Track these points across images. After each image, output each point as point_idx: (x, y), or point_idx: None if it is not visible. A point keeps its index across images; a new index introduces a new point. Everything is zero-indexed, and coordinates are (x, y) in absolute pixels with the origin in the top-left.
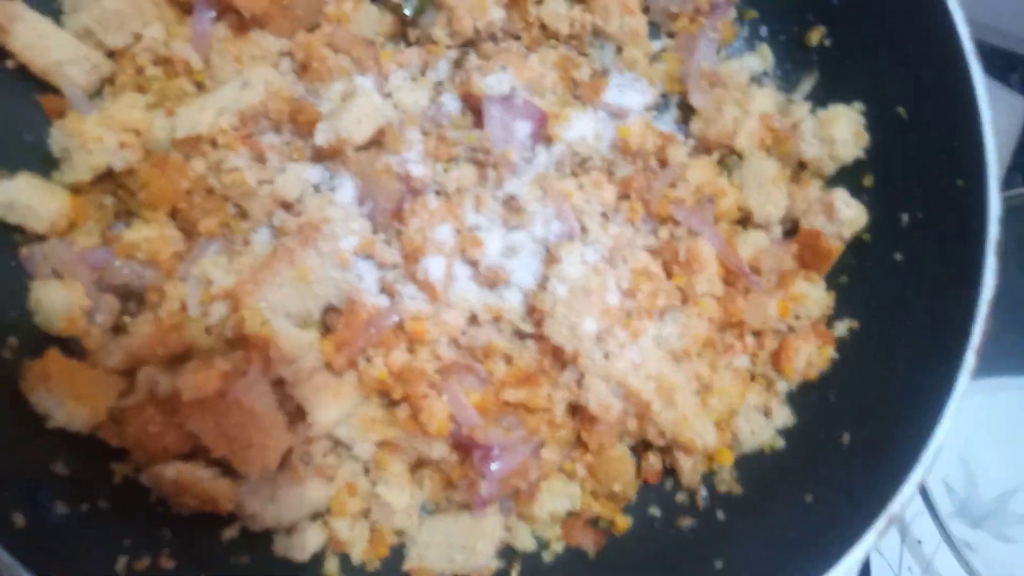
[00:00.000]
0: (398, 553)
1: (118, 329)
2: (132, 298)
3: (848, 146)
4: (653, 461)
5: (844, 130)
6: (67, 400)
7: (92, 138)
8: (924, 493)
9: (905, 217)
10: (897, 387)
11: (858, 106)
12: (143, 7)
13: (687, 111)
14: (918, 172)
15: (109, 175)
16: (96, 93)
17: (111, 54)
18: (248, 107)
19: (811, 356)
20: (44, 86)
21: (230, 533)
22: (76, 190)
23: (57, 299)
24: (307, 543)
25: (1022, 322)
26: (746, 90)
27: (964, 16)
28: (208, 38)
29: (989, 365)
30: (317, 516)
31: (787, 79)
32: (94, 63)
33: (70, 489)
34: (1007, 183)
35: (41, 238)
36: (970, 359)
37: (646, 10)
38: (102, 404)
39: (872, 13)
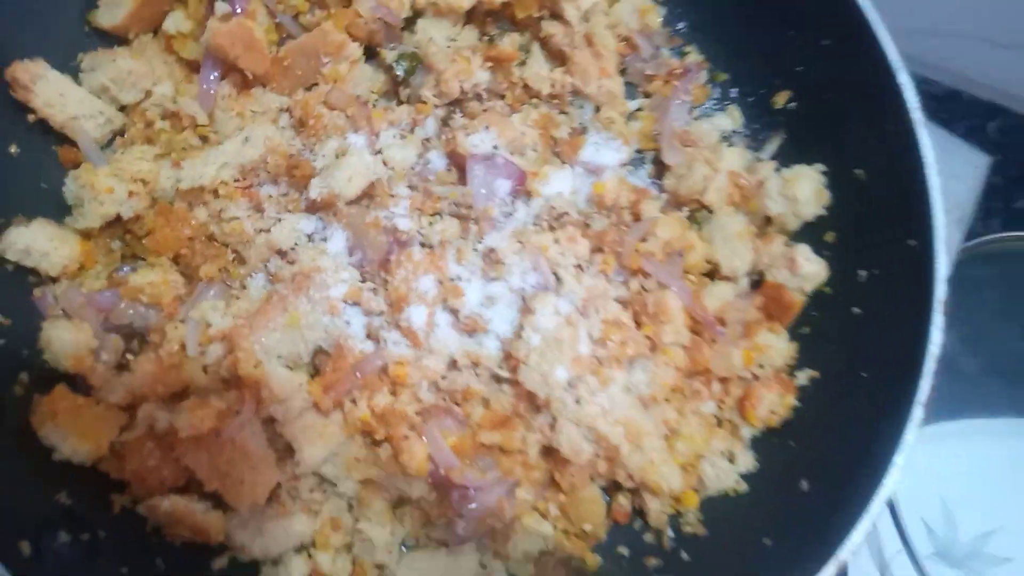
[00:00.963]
0: None
1: (121, 367)
2: (135, 338)
3: (810, 204)
4: (623, 502)
5: (807, 189)
6: (72, 435)
7: (104, 189)
8: (903, 534)
9: (863, 273)
10: (852, 437)
11: (820, 167)
12: (155, 66)
13: (661, 167)
14: (875, 231)
15: (117, 222)
16: (107, 144)
17: (123, 108)
18: (249, 161)
19: (773, 404)
20: (61, 138)
21: (220, 563)
22: (86, 235)
23: (66, 338)
24: (292, 574)
25: (999, 366)
26: (716, 148)
27: (915, 90)
28: (213, 96)
29: (968, 408)
30: (302, 548)
31: (755, 138)
32: (108, 117)
33: (72, 520)
34: (983, 229)
35: (53, 280)
36: (917, 412)
37: (623, 72)
38: (105, 439)
39: (832, 81)
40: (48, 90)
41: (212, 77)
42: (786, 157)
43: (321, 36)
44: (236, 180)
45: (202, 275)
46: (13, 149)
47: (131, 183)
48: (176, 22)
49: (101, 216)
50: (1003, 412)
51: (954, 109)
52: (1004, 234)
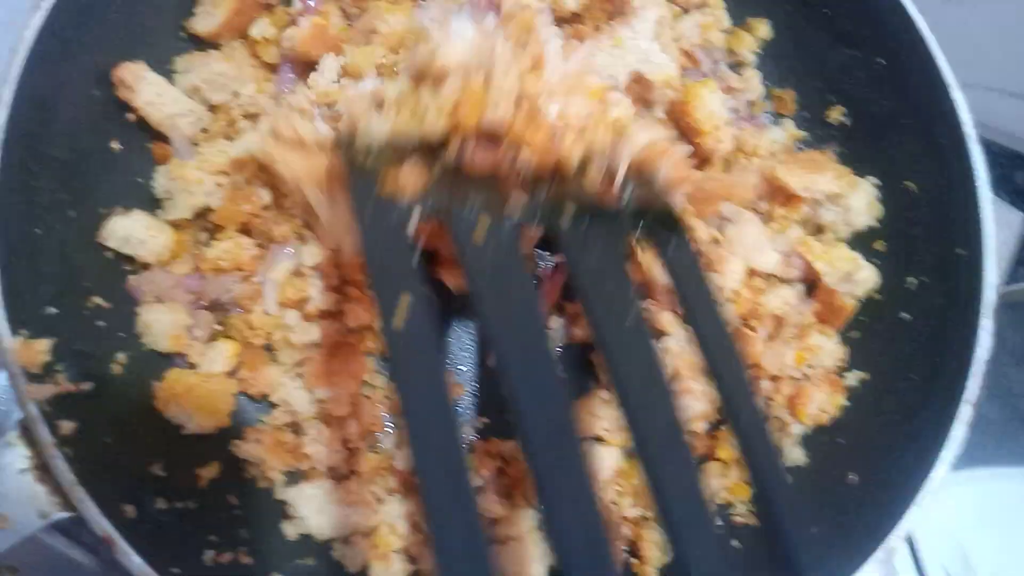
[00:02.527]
0: None
1: (214, 338)
2: (223, 310)
3: (862, 215)
4: None
5: (860, 200)
6: (195, 411)
7: (195, 181)
8: None
9: (912, 280)
10: (901, 433)
11: (872, 179)
12: (243, 68)
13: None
14: (924, 240)
15: (202, 212)
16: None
17: (211, 108)
18: None
19: (823, 403)
20: (154, 135)
21: (291, 531)
22: (178, 226)
23: (162, 320)
24: (357, 556)
25: (1019, 413)
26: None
27: (969, 109)
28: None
29: (990, 455)
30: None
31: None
32: (199, 116)
33: (166, 488)
34: (1011, 278)
35: (146, 267)
36: (966, 411)
37: None
38: (223, 409)
39: (886, 97)
40: (148, 90)
41: (288, 78)
42: None
43: None
44: None
45: (276, 236)
46: (115, 145)
47: (216, 175)
48: (262, 28)
49: (192, 207)
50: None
51: None
52: None
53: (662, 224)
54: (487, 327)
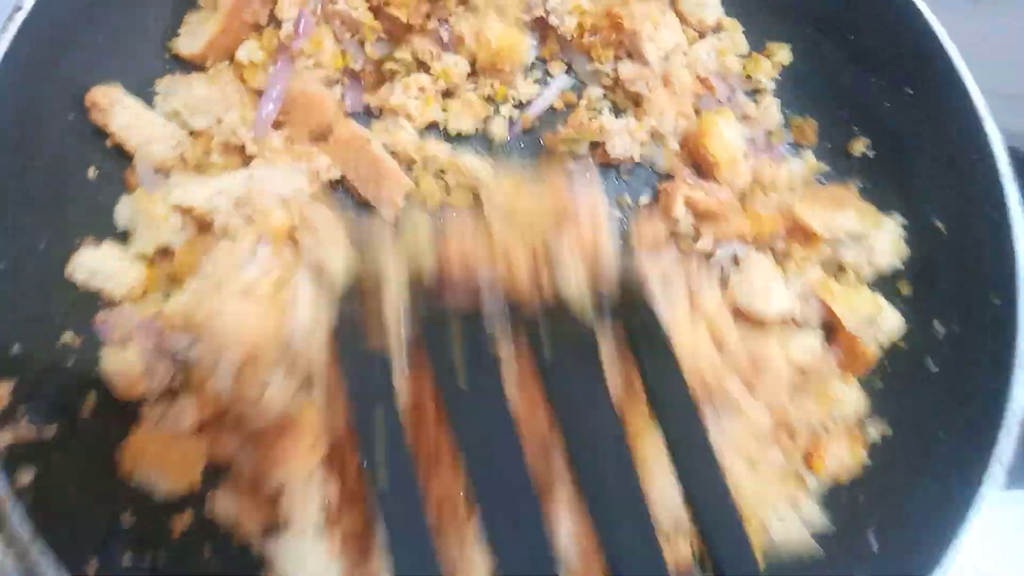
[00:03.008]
0: None
1: (174, 392)
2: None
3: (886, 255)
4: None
5: (884, 239)
6: (164, 474)
7: (159, 216)
8: None
9: (941, 329)
10: (926, 495)
11: (898, 218)
12: (228, 93)
13: None
14: (954, 285)
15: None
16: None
17: (192, 133)
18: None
19: (843, 458)
20: (129, 161)
21: None
22: (149, 261)
23: (116, 363)
24: None
25: None
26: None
27: (1002, 138)
28: (267, 123)
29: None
30: None
31: (828, 183)
32: (179, 140)
33: (135, 541)
34: None
35: (117, 303)
36: (998, 474)
37: (697, 113)
38: (196, 468)
39: (913, 130)
40: (124, 114)
41: (270, 108)
42: None
43: None
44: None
45: None
46: (91, 173)
47: (181, 212)
48: (249, 52)
49: (155, 242)
50: None
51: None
52: None
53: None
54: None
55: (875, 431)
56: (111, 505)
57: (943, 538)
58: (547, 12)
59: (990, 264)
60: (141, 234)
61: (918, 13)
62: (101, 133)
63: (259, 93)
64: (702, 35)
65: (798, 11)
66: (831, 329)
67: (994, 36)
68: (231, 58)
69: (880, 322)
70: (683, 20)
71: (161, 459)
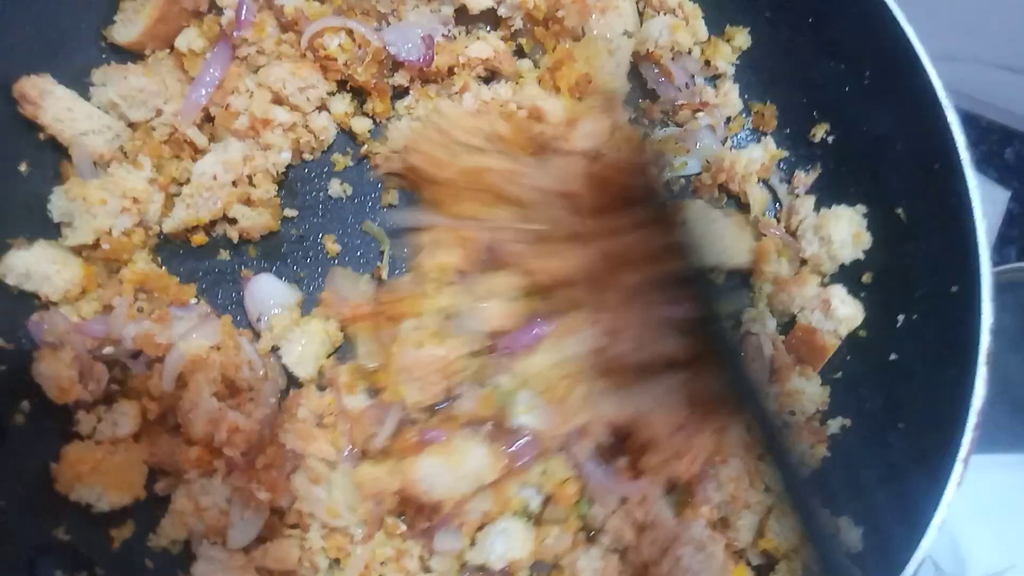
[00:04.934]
0: None
1: (109, 398)
2: (122, 365)
3: (847, 247)
4: None
5: (844, 231)
6: (104, 488)
7: (97, 201)
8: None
9: (901, 318)
10: (886, 491)
11: (861, 208)
12: (168, 84)
13: None
14: (915, 274)
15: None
16: (106, 163)
17: (131, 125)
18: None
19: (803, 454)
20: (67, 155)
21: None
22: (85, 258)
23: (50, 367)
24: None
25: (1014, 400)
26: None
27: (960, 121)
28: (197, 109)
29: (978, 441)
30: None
31: (790, 171)
32: (116, 132)
33: (69, 556)
34: (999, 258)
35: (54, 304)
36: (958, 468)
37: (655, 96)
38: (137, 479)
39: (873, 115)
40: (56, 106)
41: (202, 93)
42: (822, 192)
43: None
44: None
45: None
46: (23, 168)
47: (123, 199)
48: (189, 39)
49: (94, 230)
50: (1015, 447)
51: (970, 135)
52: (1020, 264)
53: None
54: None
55: (835, 424)
56: (44, 520)
57: (904, 541)
58: (497, 3)
59: (950, 253)
60: (78, 223)
61: None
62: (32, 125)
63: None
64: (659, 12)
65: None
66: (789, 321)
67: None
68: (170, 47)
69: (839, 313)
70: (645, 2)
71: (102, 471)
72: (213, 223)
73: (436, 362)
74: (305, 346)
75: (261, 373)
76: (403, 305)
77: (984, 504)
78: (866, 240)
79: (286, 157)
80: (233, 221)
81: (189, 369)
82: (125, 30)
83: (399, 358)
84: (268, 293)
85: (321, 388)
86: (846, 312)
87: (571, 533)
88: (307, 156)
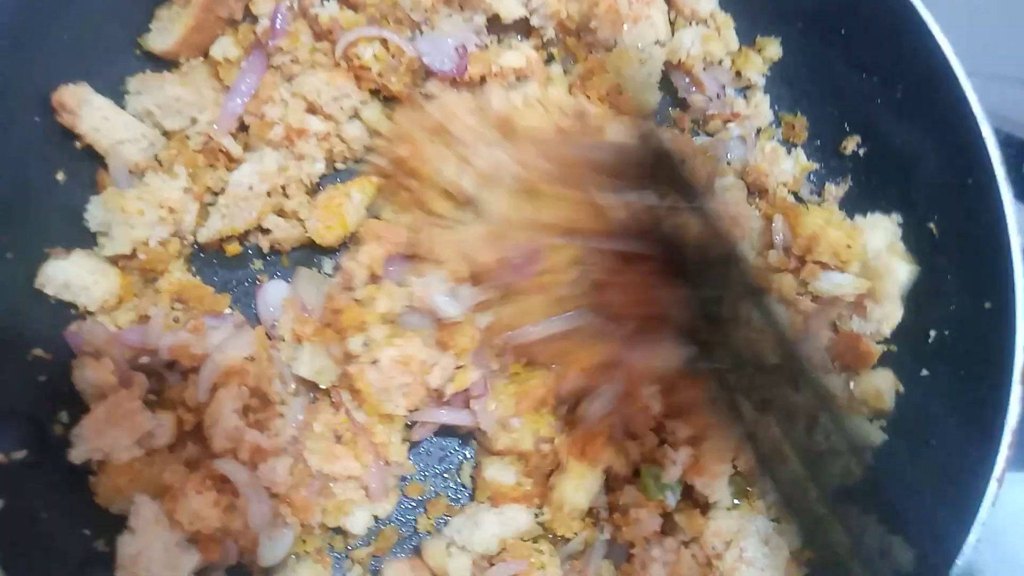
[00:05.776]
0: None
1: (150, 405)
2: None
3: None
4: None
5: (878, 241)
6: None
7: (135, 211)
8: None
9: (933, 333)
10: (921, 507)
11: (896, 217)
12: (203, 92)
13: None
14: (947, 289)
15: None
16: (141, 172)
17: (165, 133)
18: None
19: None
20: (104, 164)
21: None
22: (122, 268)
23: (89, 376)
24: None
25: None
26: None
27: (994, 133)
28: (234, 118)
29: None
30: None
31: (820, 183)
32: (151, 141)
33: (110, 568)
34: None
35: (91, 314)
36: (993, 487)
37: (684, 104)
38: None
39: (906, 128)
40: (93, 115)
41: (238, 102)
42: (852, 205)
43: None
44: None
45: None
46: (60, 176)
47: (159, 209)
48: (224, 48)
49: (131, 240)
50: None
51: None
52: None
53: None
54: None
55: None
56: (86, 530)
57: (939, 555)
58: (530, 12)
59: (983, 268)
60: (115, 233)
61: (911, 8)
62: (69, 135)
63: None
64: (691, 23)
65: (789, 6)
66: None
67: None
68: (205, 55)
69: (872, 312)
70: (677, 10)
71: (140, 482)
72: (247, 233)
73: (399, 369)
74: (312, 356)
75: (292, 388)
76: (343, 319)
77: (1001, 524)
78: (901, 250)
79: (320, 167)
80: (266, 231)
81: (223, 380)
82: (161, 38)
83: (363, 382)
84: (280, 300)
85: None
86: (883, 311)
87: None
88: (339, 166)
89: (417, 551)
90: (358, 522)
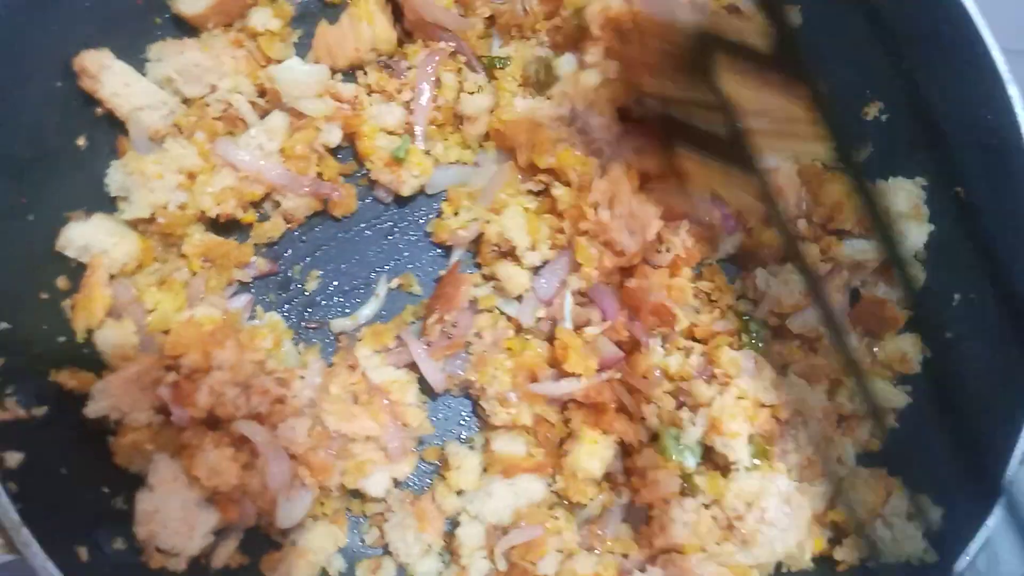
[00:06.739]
0: None
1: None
2: None
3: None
4: None
5: (901, 204)
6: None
7: (154, 175)
8: None
9: (957, 296)
10: (949, 471)
11: (920, 180)
12: (223, 60)
13: None
14: (972, 253)
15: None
16: (161, 138)
17: (186, 101)
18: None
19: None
20: (124, 130)
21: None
22: (142, 232)
23: (113, 336)
24: None
25: None
26: None
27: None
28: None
29: None
30: None
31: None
32: (171, 108)
33: (128, 525)
34: None
35: (112, 277)
36: (1019, 451)
37: None
38: None
39: (929, 93)
40: (114, 80)
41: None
42: (874, 169)
43: None
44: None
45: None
46: (80, 142)
47: (178, 174)
48: (264, 19)
49: (151, 204)
50: None
51: None
52: None
53: None
54: None
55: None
56: (104, 486)
57: (970, 515)
58: None
59: (1008, 232)
60: (135, 197)
61: None
62: (90, 100)
63: (267, 61)
64: None
65: None
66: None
67: None
68: (231, 24)
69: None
70: None
71: (159, 442)
72: (262, 201)
73: None
74: None
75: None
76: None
77: None
78: (925, 214)
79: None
80: (276, 204)
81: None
82: (192, 3)
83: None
84: None
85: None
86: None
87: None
88: None
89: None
90: (377, 484)
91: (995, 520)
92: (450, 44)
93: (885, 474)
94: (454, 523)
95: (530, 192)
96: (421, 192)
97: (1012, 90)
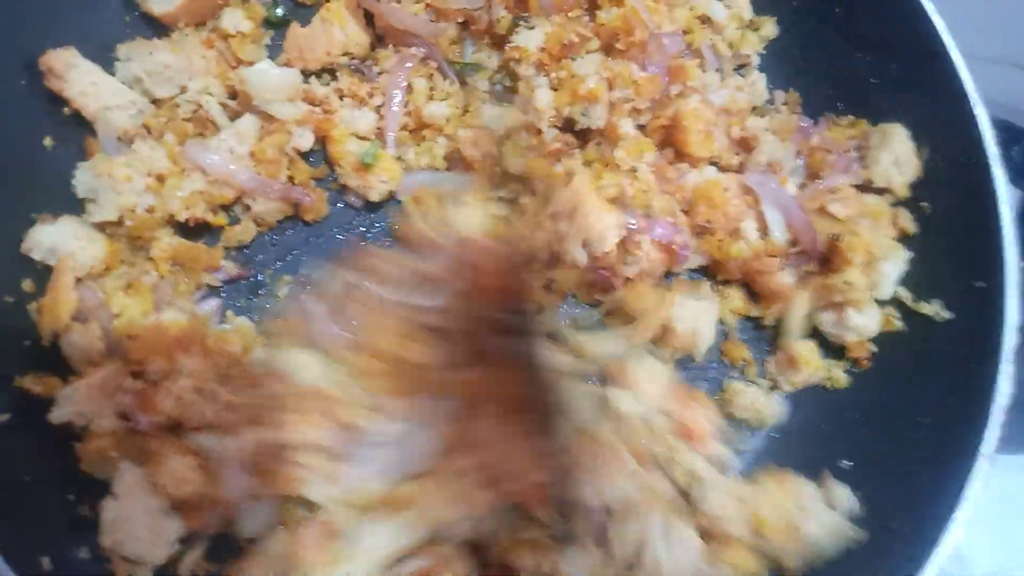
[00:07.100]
0: None
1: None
2: None
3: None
4: None
5: (901, 147)
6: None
7: (122, 178)
8: None
9: (927, 307)
10: (905, 485)
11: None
12: (193, 60)
13: None
14: (940, 267)
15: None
16: (130, 139)
17: (155, 101)
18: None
19: None
20: (91, 130)
21: None
22: (110, 234)
23: (80, 340)
24: None
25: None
26: None
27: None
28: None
29: None
30: None
31: None
32: (140, 108)
33: (93, 534)
34: None
35: (78, 280)
36: (983, 465)
37: None
38: None
39: (899, 107)
40: (81, 79)
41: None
42: None
43: None
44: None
45: None
46: (47, 142)
47: (147, 177)
48: (235, 21)
49: (119, 207)
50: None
51: None
52: None
53: None
54: None
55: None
56: (69, 495)
57: (926, 532)
58: None
59: (975, 248)
60: (103, 200)
61: None
62: (57, 100)
63: (239, 63)
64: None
65: None
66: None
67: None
68: (203, 24)
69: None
70: None
71: (124, 448)
72: (232, 205)
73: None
74: None
75: None
76: None
77: (988, 506)
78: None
79: (308, 140)
80: (247, 208)
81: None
82: (162, 2)
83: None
84: None
85: None
86: (860, 322)
87: None
88: None
89: None
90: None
91: None
92: (421, 50)
93: (788, 473)
94: None
95: (500, 199)
96: (392, 197)
97: (980, 110)
